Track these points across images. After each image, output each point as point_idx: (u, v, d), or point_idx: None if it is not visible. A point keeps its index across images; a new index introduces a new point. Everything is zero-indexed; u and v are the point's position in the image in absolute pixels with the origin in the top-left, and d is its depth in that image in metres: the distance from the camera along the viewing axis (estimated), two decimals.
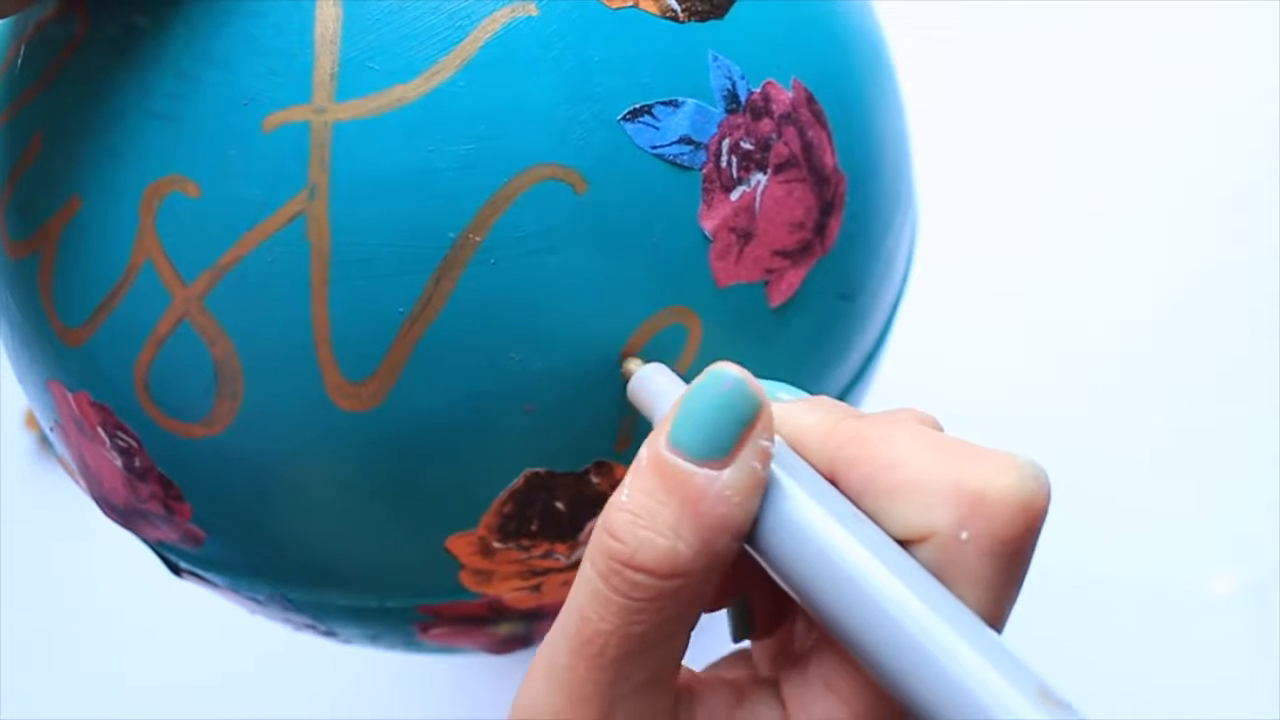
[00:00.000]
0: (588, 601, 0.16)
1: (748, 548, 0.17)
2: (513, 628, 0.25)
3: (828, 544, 0.15)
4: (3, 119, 0.22)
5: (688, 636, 0.17)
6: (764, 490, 0.16)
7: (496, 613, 0.24)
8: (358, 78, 0.19)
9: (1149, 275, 0.48)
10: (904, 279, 0.28)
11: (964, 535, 0.15)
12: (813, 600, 0.16)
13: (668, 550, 0.15)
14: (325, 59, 0.19)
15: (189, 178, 0.19)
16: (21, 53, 0.22)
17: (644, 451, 0.16)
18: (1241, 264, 0.48)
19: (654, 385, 0.19)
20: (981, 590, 0.15)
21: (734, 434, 0.16)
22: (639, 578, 0.15)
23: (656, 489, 0.16)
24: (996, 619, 0.16)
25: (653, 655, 0.16)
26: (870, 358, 0.26)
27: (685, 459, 0.16)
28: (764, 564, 0.17)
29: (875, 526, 0.16)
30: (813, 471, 0.17)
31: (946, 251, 0.42)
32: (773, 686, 0.18)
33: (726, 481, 0.16)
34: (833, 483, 0.17)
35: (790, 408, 0.18)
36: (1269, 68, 0.52)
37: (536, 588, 0.23)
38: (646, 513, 0.16)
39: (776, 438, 0.17)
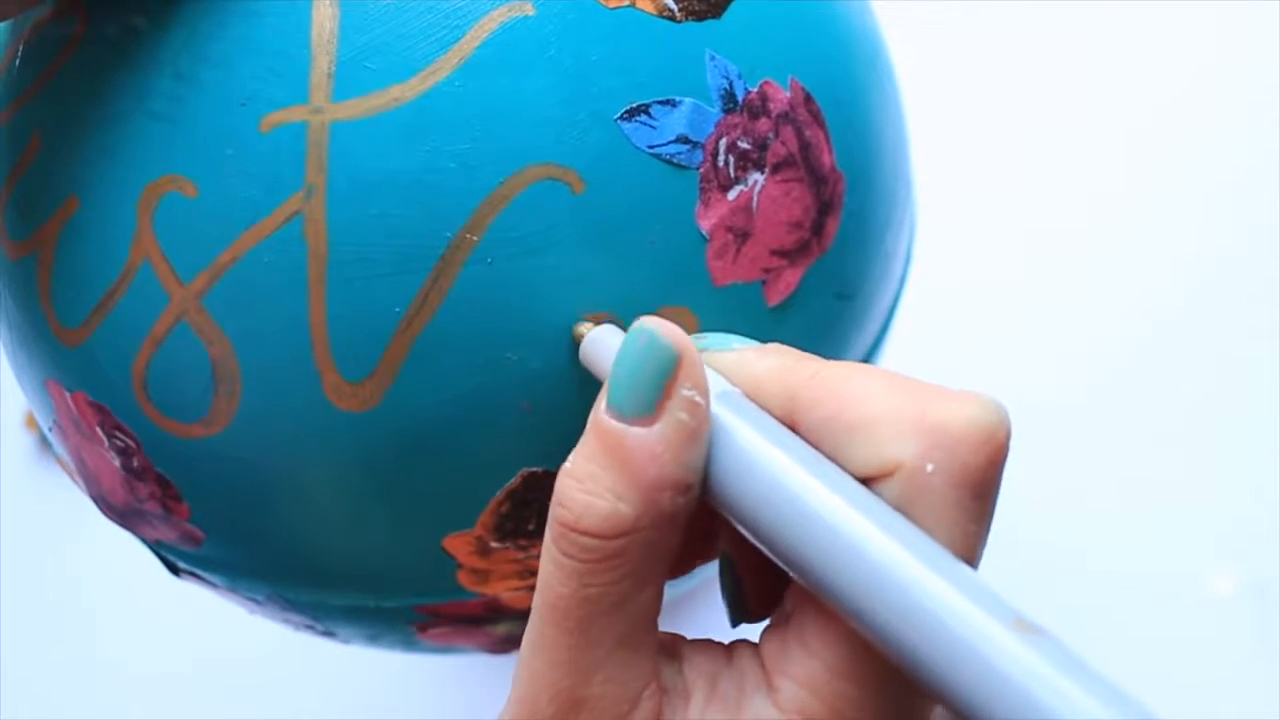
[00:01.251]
0: (548, 569, 0.16)
1: (709, 499, 0.17)
2: (511, 627, 0.25)
3: (785, 486, 0.15)
4: (1, 119, 0.22)
5: (655, 596, 0.17)
6: (700, 441, 0.16)
7: (494, 612, 0.24)
8: (354, 78, 0.19)
9: (1148, 276, 0.48)
10: (902, 279, 0.28)
11: (929, 467, 0.15)
12: (777, 546, 0.15)
13: (609, 512, 0.16)
14: (322, 59, 0.19)
15: (187, 178, 0.19)
16: (20, 53, 0.22)
17: (591, 416, 0.16)
18: (1242, 266, 0.48)
19: (603, 345, 0.19)
20: (949, 524, 0.15)
21: (655, 388, 0.16)
22: (585, 540, 0.16)
23: (597, 453, 0.16)
24: (969, 555, 0.15)
25: (618, 616, 0.16)
26: (868, 357, 0.26)
27: (619, 419, 0.16)
28: (726, 514, 0.16)
29: (835, 466, 0.16)
30: (766, 416, 0.17)
31: (945, 251, 0.42)
32: (751, 649, 0.18)
33: (655, 438, 0.16)
34: (792, 428, 0.16)
35: (744, 355, 0.18)
36: (1269, 65, 0.52)
37: (534, 587, 0.23)
38: (588, 477, 0.16)
39: (729, 386, 0.17)
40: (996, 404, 0.16)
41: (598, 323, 0.19)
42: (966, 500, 0.15)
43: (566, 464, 0.16)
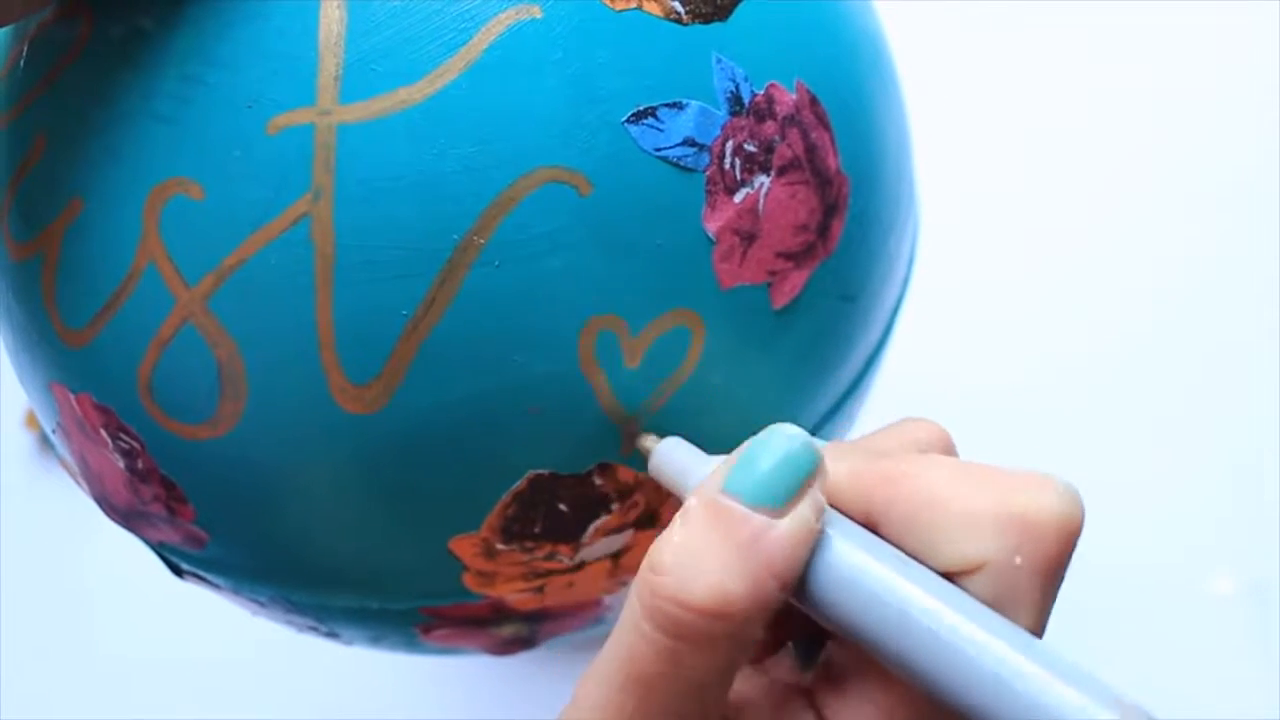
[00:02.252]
0: (634, 641, 0.16)
1: (794, 601, 0.17)
2: (516, 629, 0.25)
3: (879, 588, 0.16)
4: (6, 120, 0.22)
5: (731, 681, 0.17)
6: (813, 545, 0.16)
7: (499, 614, 0.24)
8: (362, 80, 0.19)
9: (1149, 276, 0.48)
10: (906, 281, 0.28)
11: (1018, 560, 0.15)
12: (873, 643, 0.16)
13: (715, 585, 0.15)
14: (329, 61, 0.19)
15: (193, 180, 0.19)
16: (25, 54, 0.22)
17: (693, 500, 0.16)
18: (1242, 266, 0.48)
19: (677, 459, 0.19)
20: (1035, 608, 0.16)
21: (795, 485, 0.16)
22: (685, 616, 0.15)
23: (708, 529, 0.16)
24: (1041, 626, 0.16)
25: (700, 697, 0.16)
26: (872, 359, 0.26)
27: (740, 504, 0.16)
28: (817, 616, 0.17)
29: (923, 567, 0.16)
30: (848, 519, 0.17)
31: (949, 253, 0.42)
32: (805, 696, 0.18)
33: (784, 529, 0.16)
34: (871, 529, 0.17)
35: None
36: (1270, 65, 0.53)
37: (540, 589, 0.23)
38: (696, 550, 0.16)
39: None
40: (1071, 489, 0.16)
41: (659, 437, 0.20)
42: (1046, 585, 0.16)
43: (671, 537, 0.16)
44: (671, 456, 0.20)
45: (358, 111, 0.19)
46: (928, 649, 0.15)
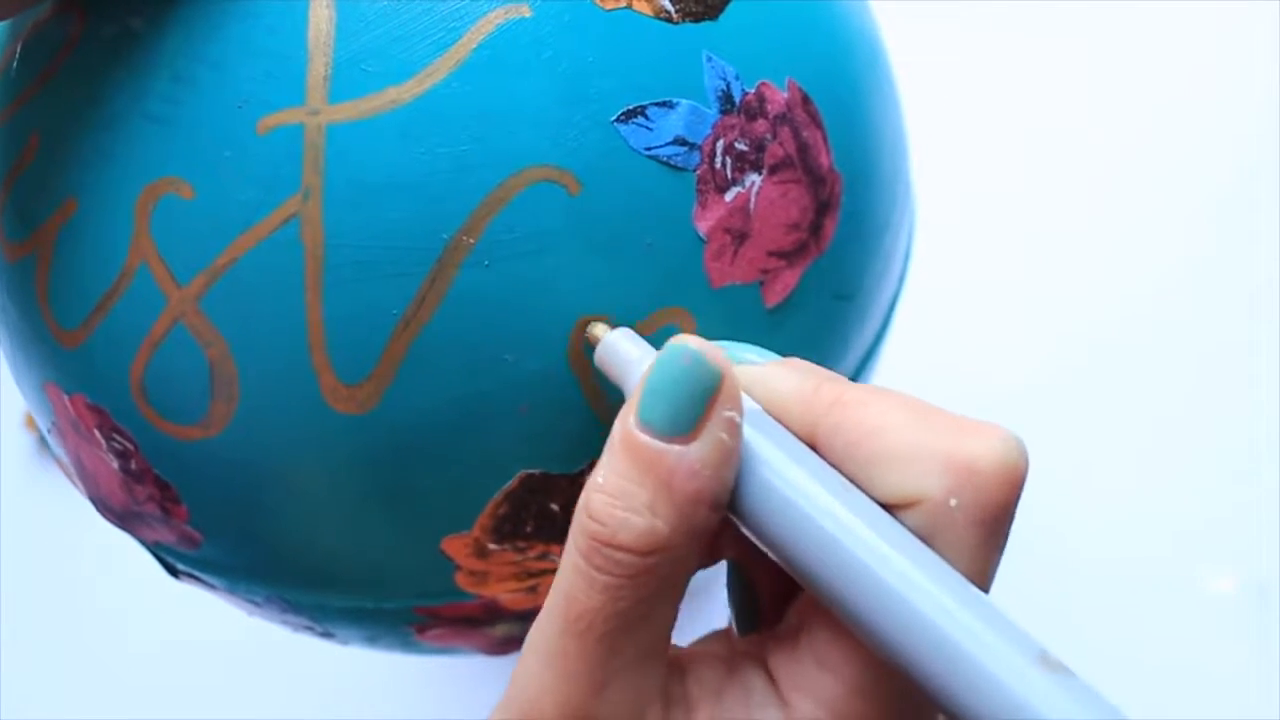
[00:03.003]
0: (573, 581, 0.16)
1: (730, 515, 0.17)
2: (509, 629, 0.25)
3: (813, 510, 0.16)
4: (1, 120, 0.22)
5: (675, 609, 0.17)
6: (737, 460, 0.16)
7: (493, 614, 0.24)
8: (351, 80, 0.19)
9: (1148, 276, 0.48)
10: (901, 279, 0.28)
11: (953, 502, 0.15)
12: (801, 567, 0.16)
13: (646, 529, 0.16)
14: (319, 61, 0.19)
15: (184, 180, 0.19)
16: (18, 53, 0.22)
17: (616, 429, 0.16)
18: (1242, 265, 0.48)
19: (622, 352, 0.19)
20: (968, 557, 0.16)
21: (697, 408, 0.16)
22: (620, 556, 0.16)
23: (630, 469, 0.16)
24: (983, 582, 0.16)
25: (641, 629, 0.16)
26: (867, 358, 0.26)
27: (654, 436, 0.16)
28: (747, 531, 0.17)
29: (859, 492, 0.16)
30: (791, 437, 0.17)
31: (944, 251, 0.42)
32: (759, 661, 0.18)
33: (695, 456, 0.16)
34: (813, 447, 0.17)
35: (765, 371, 0.18)
36: (1268, 65, 0.52)
37: (533, 589, 0.23)
38: (623, 493, 0.16)
39: (753, 403, 0.17)
40: (1017, 440, 0.16)
41: (610, 325, 0.19)
42: (986, 534, 0.16)
43: (597, 478, 0.16)
44: (617, 349, 0.19)
45: (347, 111, 0.19)
46: (853, 572, 0.15)
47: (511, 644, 0.26)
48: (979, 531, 0.15)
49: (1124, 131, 0.52)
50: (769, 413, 0.17)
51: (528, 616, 0.24)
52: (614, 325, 0.19)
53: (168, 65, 0.19)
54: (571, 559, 0.16)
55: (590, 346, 0.20)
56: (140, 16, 0.20)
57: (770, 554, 0.16)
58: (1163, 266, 0.48)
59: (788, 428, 0.17)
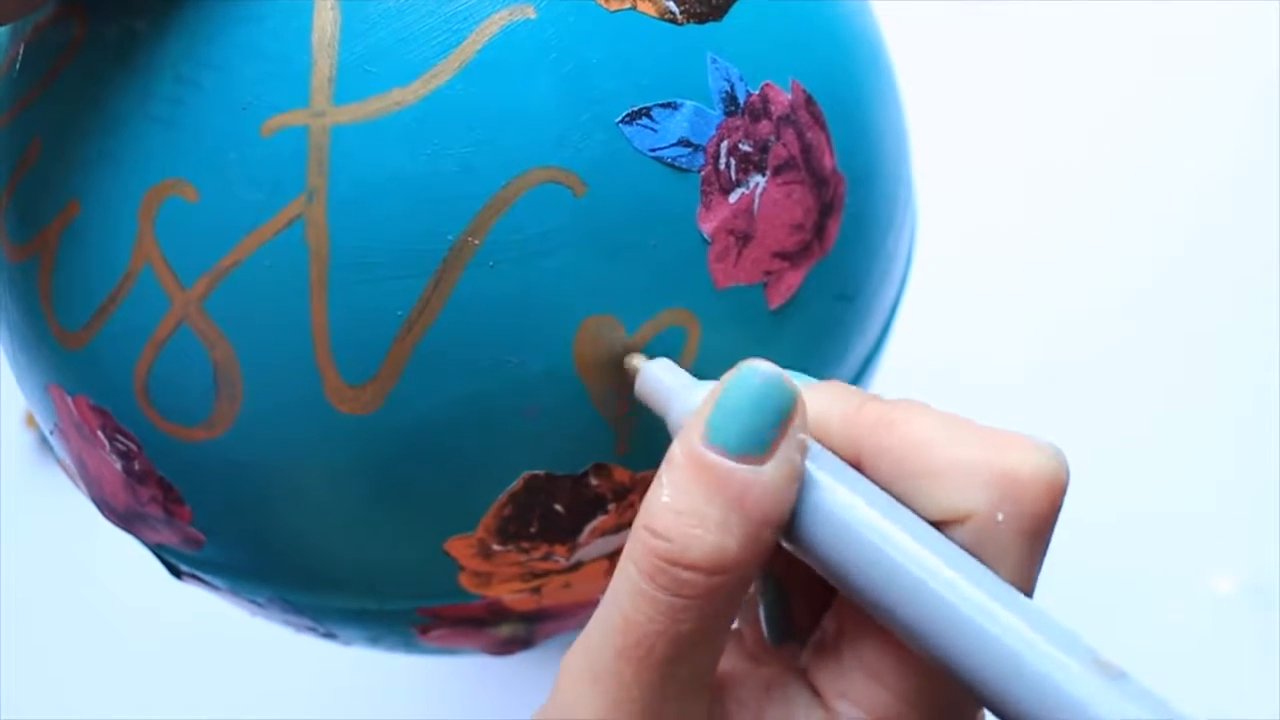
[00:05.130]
0: (634, 603, 0.16)
1: (783, 541, 0.17)
2: (513, 629, 0.25)
3: (868, 530, 0.16)
4: (3, 122, 0.22)
5: (728, 634, 0.17)
6: (801, 481, 0.16)
7: (496, 615, 0.24)
8: (356, 81, 0.19)
9: (1148, 277, 0.48)
10: (903, 280, 0.28)
11: (1000, 516, 0.16)
12: (856, 587, 0.16)
13: (716, 546, 0.15)
14: (323, 63, 0.19)
15: (188, 182, 0.19)
16: (21, 56, 0.22)
17: (677, 449, 0.16)
18: (1242, 265, 0.48)
19: (664, 381, 0.19)
20: (1015, 565, 0.16)
21: (773, 429, 0.16)
22: (687, 575, 0.16)
23: (697, 488, 0.16)
24: (1027, 590, 0.16)
25: (697, 655, 0.16)
26: (869, 359, 0.26)
27: (724, 456, 0.16)
28: (800, 554, 0.17)
29: (908, 511, 0.16)
30: (839, 460, 0.17)
31: (946, 252, 0.42)
32: (797, 672, 0.18)
33: (769, 476, 0.16)
34: (858, 469, 0.17)
35: (806, 394, 0.18)
36: (1268, 63, 0.52)
37: (536, 590, 0.23)
38: (692, 510, 0.16)
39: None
40: (1056, 450, 0.16)
41: (647, 356, 0.20)
42: (1031, 544, 0.16)
43: (661, 496, 0.16)
44: (659, 380, 0.19)
45: (352, 113, 0.19)
46: (911, 592, 0.15)
47: (515, 645, 0.26)
48: (1024, 542, 0.16)
49: (1124, 132, 0.52)
50: (814, 437, 0.17)
51: (532, 617, 0.24)
52: (650, 357, 0.20)
53: (171, 67, 0.19)
54: (630, 581, 0.16)
55: (630, 377, 0.20)
56: (143, 18, 0.20)
57: (822, 573, 0.17)
58: (1163, 269, 0.48)
59: (830, 449, 0.17)
